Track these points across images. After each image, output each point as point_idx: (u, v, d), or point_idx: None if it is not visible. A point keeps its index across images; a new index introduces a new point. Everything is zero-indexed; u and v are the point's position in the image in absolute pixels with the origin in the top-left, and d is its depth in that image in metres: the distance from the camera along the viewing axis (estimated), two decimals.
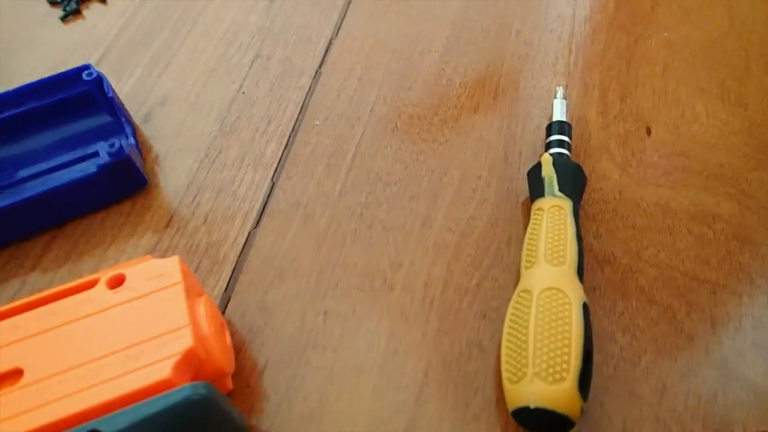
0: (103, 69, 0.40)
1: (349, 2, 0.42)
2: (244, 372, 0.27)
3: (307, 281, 0.30)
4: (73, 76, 0.36)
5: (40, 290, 0.31)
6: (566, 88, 0.35)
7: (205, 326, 0.24)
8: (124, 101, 0.38)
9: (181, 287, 0.24)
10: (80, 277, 0.30)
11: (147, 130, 0.37)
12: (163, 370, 0.22)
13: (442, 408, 0.26)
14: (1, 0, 0.44)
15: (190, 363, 0.23)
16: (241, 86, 0.38)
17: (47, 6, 0.44)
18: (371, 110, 0.36)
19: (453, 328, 0.28)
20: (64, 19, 0.44)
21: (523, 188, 0.32)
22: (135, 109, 0.38)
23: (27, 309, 0.25)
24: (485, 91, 0.37)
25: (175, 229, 0.32)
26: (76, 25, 0.43)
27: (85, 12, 0.44)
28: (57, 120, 0.36)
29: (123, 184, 0.33)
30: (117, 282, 0.25)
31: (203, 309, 0.25)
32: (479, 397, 0.26)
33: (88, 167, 0.33)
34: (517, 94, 0.36)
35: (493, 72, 0.37)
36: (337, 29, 0.41)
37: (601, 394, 0.26)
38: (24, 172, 0.34)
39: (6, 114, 0.35)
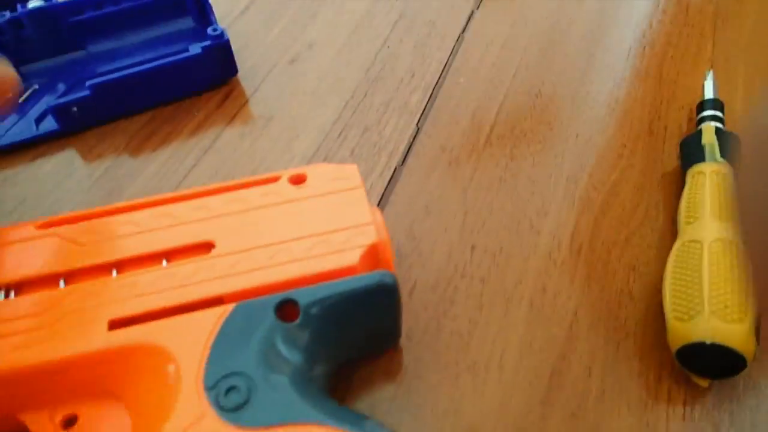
0: (249, 16, 0.42)
1: None
2: None
3: (453, 217, 0.31)
4: None
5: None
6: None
7: (382, 230, 0.25)
8: (269, 47, 0.40)
9: (362, 190, 0.25)
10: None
11: (295, 68, 0.38)
12: (351, 257, 0.23)
13: (593, 346, 0.26)
14: None
15: (372, 258, 0.23)
16: (385, 41, 0.40)
17: None
18: (514, 75, 0.37)
19: (602, 277, 0.28)
20: None
21: (670, 160, 0.32)
22: (282, 51, 0.39)
23: (211, 194, 0.25)
24: (629, 70, 0.37)
25: (322, 157, 0.33)
26: None
27: None
28: (147, 21, 0.39)
29: (220, 69, 0.37)
30: (299, 180, 0.26)
31: (378, 216, 0.25)
32: (630, 340, 0.26)
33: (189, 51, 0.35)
34: (660, 76, 0.37)
35: (636, 54, 0.38)
36: (479, 2, 0.42)
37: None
38: (123, 62, 0.37)
39: (104, 11, 0.38)
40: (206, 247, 0.24)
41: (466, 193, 0.31)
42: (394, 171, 0.33)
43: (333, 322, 0.22)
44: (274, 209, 0.25)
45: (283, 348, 0.21)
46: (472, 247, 0.29)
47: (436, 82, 0.37)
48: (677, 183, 0.31)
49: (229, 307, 0.21)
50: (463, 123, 0.35)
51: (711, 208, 0.27)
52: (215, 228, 0.24)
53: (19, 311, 0.21)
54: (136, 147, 0.35)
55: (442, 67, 0.38)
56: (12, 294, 0.22)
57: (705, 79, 0.34)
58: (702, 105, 0.33)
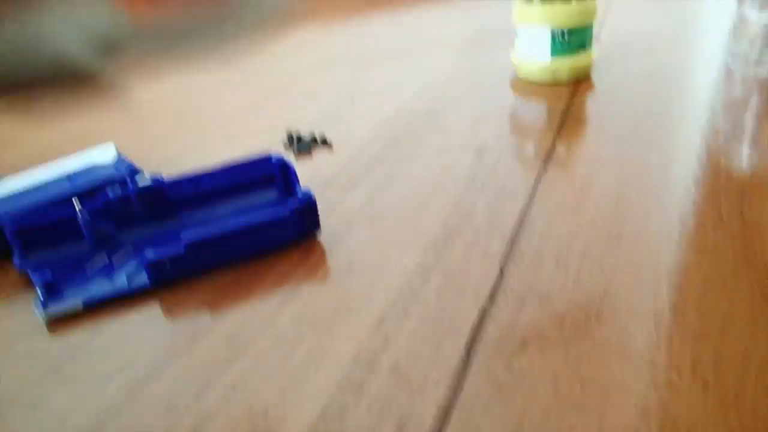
0: (329, 190, 0.46)
1: (551, 156, 0.47)
2: (498, 424, 0.24)
3: (554, 351, 0.28)
4: (261, 160, 0.43)
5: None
6: None
7: None
8: (348, 211, 0.42)
9: None
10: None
11: (374, 226, 0.40)
12: None
13: None
14: (248, 143, 0.54)
15: None
16: (458, 202, 0.42)
17: (283, 148, 0.53)
18: (591, 222, 0.38)
19: (737, 405, 0.24)
20: (296, 156, 0.52)
21: None
22: (359, 215, 0.42)
23: None
24: (709, 214, 0.37)
25: (407, 298, 0.33)
26: (306, 162, 0.51)
27: (314, 154, 0.52)
28: (237, 194, 0.43)
29: (304, 227, 0.39)
30: None
31: None
32: None
33: (279, 211, 0.37)
34: (742, 218, 0.37)
35: (712, 203, 0.39)
36: (545, 169, 0.45)
37: None
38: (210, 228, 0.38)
39: (201, 188, 0.42)
40: None
41: (563, 327, 0.29)
42: (483, 309, 0.31)
43: None
44: None
45: None
46: (581, 380, 0.26)
47: (514, 232, 0.38)
48: None
49: None
50: (548, 265, 0.34)
51: None
52: None
53: None
54: (219, 299, 0.35)
55: (518, 218, 0.39)
56: None
57: None
58: None
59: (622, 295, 0.31)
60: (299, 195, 0.38)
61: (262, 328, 0.32)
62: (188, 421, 0.26)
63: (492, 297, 0.32)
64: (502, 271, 0.34)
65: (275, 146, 0.53)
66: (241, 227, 0.37)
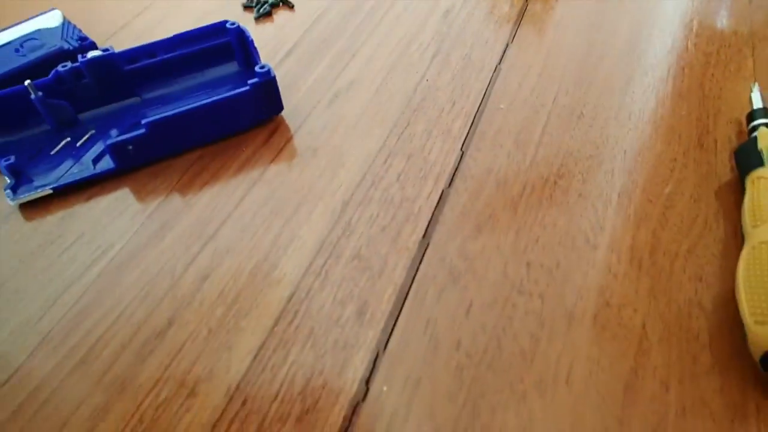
0: (291, 60, 0.44)
1: (522, 17, 0.45)
2: (451, 307, 0.27)
3: (505, 235, 0.30)
4: (217, 29, 0.41)
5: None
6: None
7: None
8: (311, 86, 0.41)
9: None
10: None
11: (338, 104, 0.39)
12: None
13: (667, 360, 0.25)
14: (205, 4, 0.50)
15: None
16: (423, 75, 0.41)
17: (241, 10, 0.49)
18: (554, 100, 0.38)
19: (667, 289, 0.27)
20: (256, 19, 0.48)
21: (724, 171, 0.32)
22: (325, 89, 0.41)
23: None
24: (670, 89, 0.37)
25: (369, 183, 0.34)
26: (266, 25, 0.48)
27: (275, 16, 0.49)
28: (196, 67, 0.42)
29: (266, 106, 0.38)
30: None
31: None
32: (708, 352, 0.25)
33: (238, 89, 0.36)
34: (702, 93, 0.37)
35: (675, 75, 0.38)
36: (513, 36, 0.43)
37: None
38: (174, 107, 0.37)
39: (157, 59, 0.40)
40: None
41: (517, 211, 0.31)
42: (442, 193, 0.33)
43: None
44: None
45: None
46: (528, 264, 0.29)
47: (477, 110, 0.38)
48: (735, 193, 0.30)
49: None
50: (508, 145, 0.35)
51: None
52: None
53: None
54: (186, 183, 0.36)
55: (482, 95, 0.38)
56: None
57: (752, 91, 0.34)
58: (752, 114, 0.32)
59: (575, 178, 0.33)
60: (258, 70, 0.37)
61: (230, 214, 0.33)
62: (164, 309, 0.28)
63: (451, 181, 0.33)
64: (462, 152, 0.35)
65: (233, 8, 0.49)
66: (200, 107, 0.36)
